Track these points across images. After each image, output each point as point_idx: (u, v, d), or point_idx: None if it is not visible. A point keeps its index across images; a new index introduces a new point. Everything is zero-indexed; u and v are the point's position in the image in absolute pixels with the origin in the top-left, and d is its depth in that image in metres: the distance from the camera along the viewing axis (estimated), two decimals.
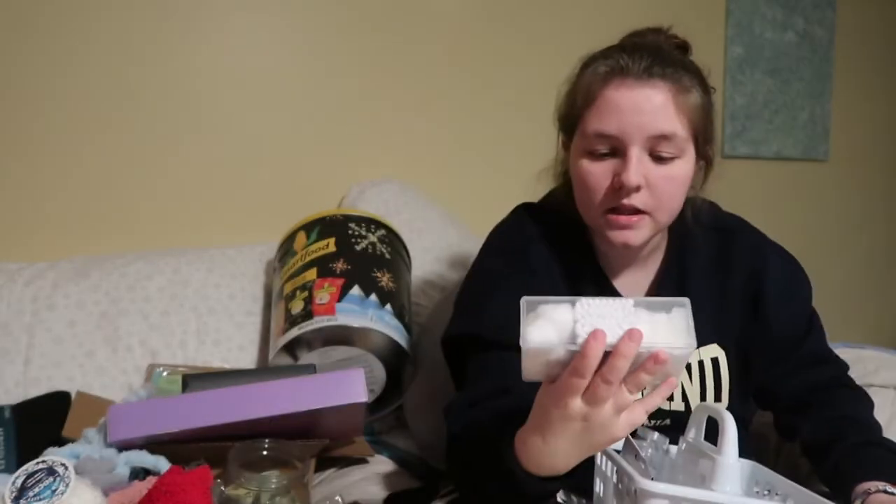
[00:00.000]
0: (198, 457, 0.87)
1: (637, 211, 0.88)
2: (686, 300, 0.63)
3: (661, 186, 0.88)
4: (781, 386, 1.01)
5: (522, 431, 0.72)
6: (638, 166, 0.85)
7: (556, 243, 0.99)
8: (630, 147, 0.86)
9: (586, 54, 0.94)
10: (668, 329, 0.61)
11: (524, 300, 0.64)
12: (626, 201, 0.87)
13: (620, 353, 0.60)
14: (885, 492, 0.81)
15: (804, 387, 1.00)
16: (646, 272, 1.01)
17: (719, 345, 0.99)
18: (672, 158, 0.87)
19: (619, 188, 0.86)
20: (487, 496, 0.83)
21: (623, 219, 0.88)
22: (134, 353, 1.27)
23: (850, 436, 0.91)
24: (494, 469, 0.77)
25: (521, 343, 0.63)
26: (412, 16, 1.73)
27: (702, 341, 0.98)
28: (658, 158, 0.87)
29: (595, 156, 0.88)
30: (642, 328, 0.60)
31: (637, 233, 0.89)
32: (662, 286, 1.00)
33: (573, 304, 0.62)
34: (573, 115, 0.92)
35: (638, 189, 0.86)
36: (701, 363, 0.98)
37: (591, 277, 0.99)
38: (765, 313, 0.99)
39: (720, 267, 1.00)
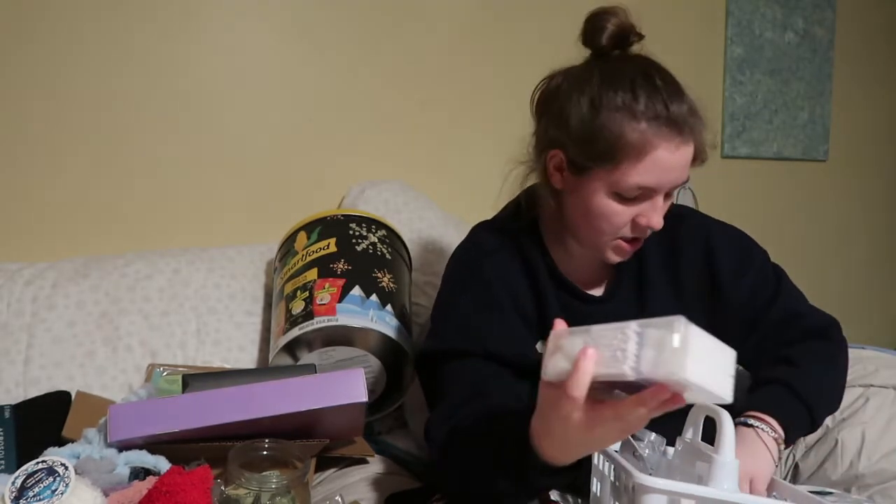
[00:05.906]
0: (198, 457, 0.87)
1: None
2: (680, 319, 0.61)
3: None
4: (758, 354, 1.02)
5: (532, 431, 0.74)
6: (663, 210, 0.94)
7: (513, 252, 1.04)
8: (659, 195, 0.92)
9: (611, 76, 0.89)
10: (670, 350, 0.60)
11: (552, 335, 0.68)
12: (641, 236, 0.95)
13: (578, 368, 0.62)
14: (745, 424, 0.90)
15: (778, 346, 1.02)
16: (605, 267, 1.06)
17: None
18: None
19: (644, 227, 0.93)
20: (486, 493, 0.84)
21: (631, 248, 0.97)
22: (134, 353, 1.27)
23: (771, 372, 0.97)
24: (498, 462, 0.79)
25: (542, 375, 0.68)
26: (412, 16, 1.73)
27: None
28: (666, 196, 0.94)
29: (625, 200, 0.92)
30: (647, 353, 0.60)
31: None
32: (622, 280, 1.05)
33: (587, 332, 0.65)
34: (605, 155, 0.89)
35: None
36: None
37: (551, 279, 1.04)
38: (724, 288, 1.04)
39: (673, 253, 1.06)
